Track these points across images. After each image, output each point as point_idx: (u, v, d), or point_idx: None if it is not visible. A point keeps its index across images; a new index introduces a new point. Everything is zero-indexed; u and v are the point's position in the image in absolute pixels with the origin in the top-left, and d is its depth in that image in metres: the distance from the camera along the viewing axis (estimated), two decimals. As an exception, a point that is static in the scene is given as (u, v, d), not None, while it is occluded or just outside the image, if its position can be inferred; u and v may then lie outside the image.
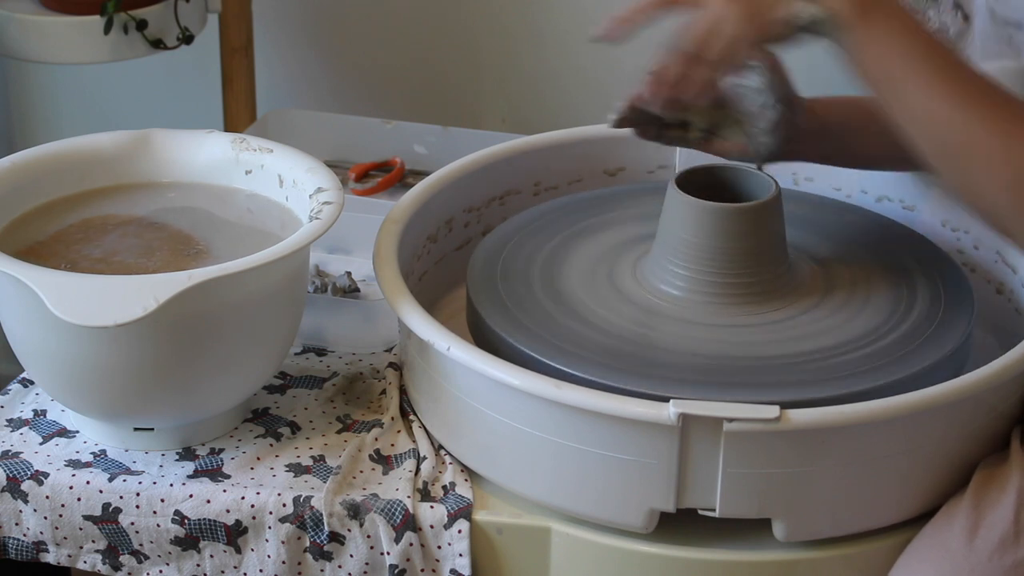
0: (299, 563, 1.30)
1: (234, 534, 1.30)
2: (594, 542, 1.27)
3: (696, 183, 1.36)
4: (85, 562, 1.33)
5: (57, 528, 1.32)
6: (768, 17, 1.20)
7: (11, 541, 1.33)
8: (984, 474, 1.26)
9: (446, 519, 1.28)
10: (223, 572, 1.32)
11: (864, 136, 1.42)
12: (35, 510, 1.31)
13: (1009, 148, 1.14)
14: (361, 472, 1.33)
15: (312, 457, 1.34)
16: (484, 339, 1.34)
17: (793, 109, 1.36)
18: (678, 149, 1.59)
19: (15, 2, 1.92)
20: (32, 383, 1.43)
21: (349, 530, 1.29)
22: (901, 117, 1.20)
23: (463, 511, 1.28)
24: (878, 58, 1.19)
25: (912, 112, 1.19)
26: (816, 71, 1.42)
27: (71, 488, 1.31)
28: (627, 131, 1.39)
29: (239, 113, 2.06)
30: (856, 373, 1.27)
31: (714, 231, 1.34)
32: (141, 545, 1.31)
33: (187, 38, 1.93)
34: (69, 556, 1.33)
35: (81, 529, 1.31)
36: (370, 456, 1.35)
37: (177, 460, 1.34)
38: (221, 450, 1.35)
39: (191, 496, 1.30)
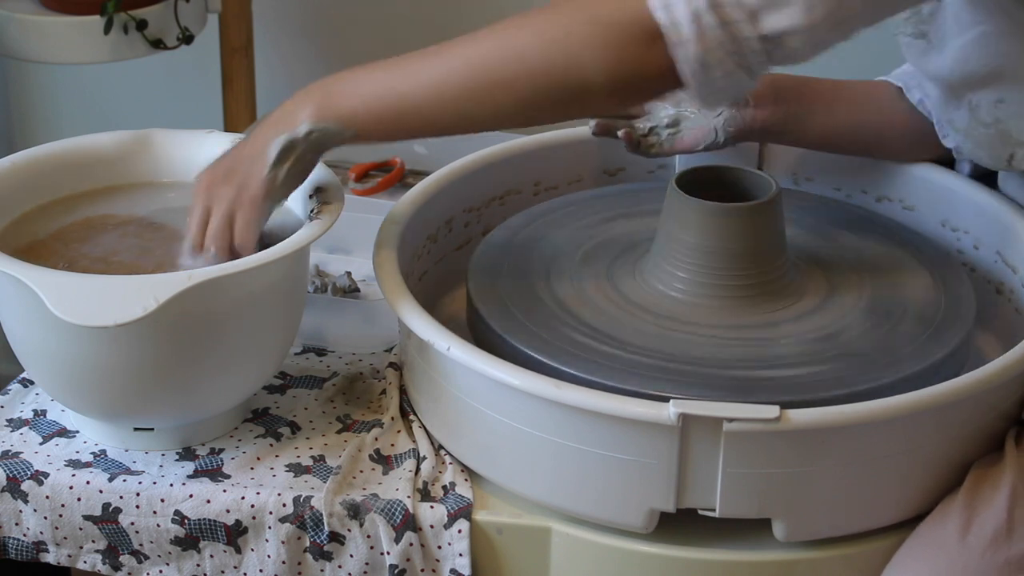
0: (299, 563, 1.30)
1: (234, 534, 1.30)
2: (594, 542, 1.27)
3: (696, 183, 1.36)
4: (85, 562, 1.33)
5: (57, 528, 1.32)
6: (257, 175, 1.25)
7: (11, 541, 1.33)
8: (978, 473, 1.26)
9: (446, 519, 1.28)
10: (223, 572, 1.32)
11: (822, 109, 1.45)
12: (35, 510, 1.31)
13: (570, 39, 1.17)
14: (361, 472, 1.33)
15: (312, 457, 1.34)
16: (484, 339, 1.34)
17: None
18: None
19: (15, 2, 1.92)
20: (32, 383, 1.43)
21: (349, 530, 1.29)
22: (439, 116, 1.23)
23: (463, 511, 1.28)
24: (381, 128, 1.24)
25: (446, 122, 1.23)
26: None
27: (71, 488, 1.31)
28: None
29: (239, 113, 2.07)
30: (856, 373, 1.27)
31: (714, 231, 1.34)
32: (141, 545, 1.31)
33: (187, 38, 1.93)
34: (69, 556, 1.33)
35: (81, 529, 1.31)
36: (370, 456, 1.35)
37: (177, 460, 1.34)
38: (221, 450, 1.35)
39: (191, 496, 1.30)
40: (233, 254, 1.27)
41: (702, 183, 1.37)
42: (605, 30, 1.17)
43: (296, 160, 1.26)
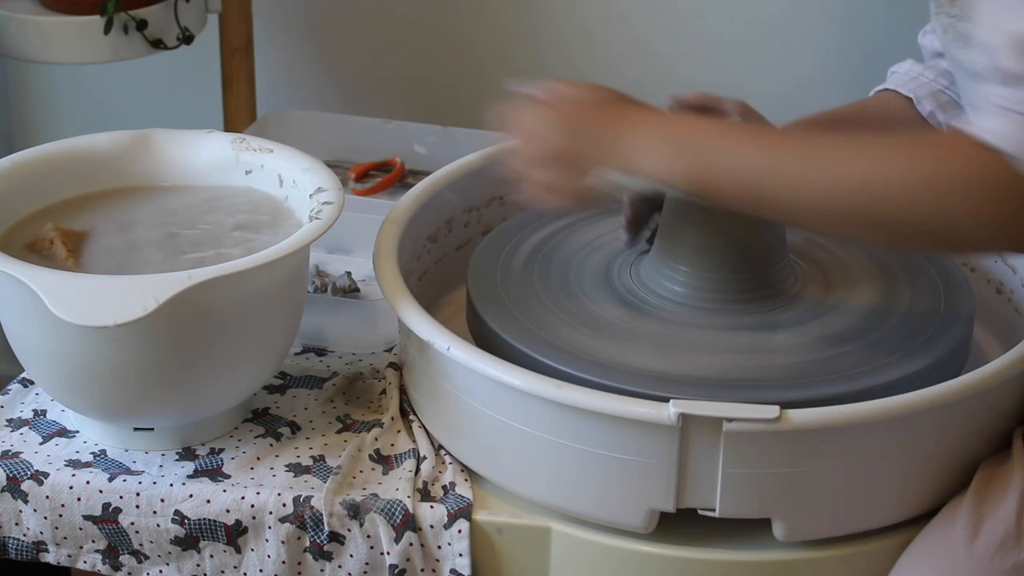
0: (299, 563, 1.30)
1: (234, 534, 1.30)
2: (594, 542, 1.27)
3: None
4: (85, 562, 1.33)
5: (57, 528, 1.32)
6: (573, 187, 1.26)
7: (11, 541, 1.33)
8: (986, 474, 1.26)
9: (446, 519, 1.28)
10: (223, 572, 1.32)
11: None
12: (35, 510, 1.31)
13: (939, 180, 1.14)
14: (361, 472, 1.33)
15: (312, 457, 1.35)
16: (484, 339, 1.34)
17: None
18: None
19: (15, 2, 1.92)
20: (32, 383, 1.43)
21: (349, 530, 1.29)
22: (795, 218, 1.22)
23: (463, 511, 1.28)
24: (731, 195, 1.22)
25: (804, 210, 1.19)
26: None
27: (71, 488, 1.31)
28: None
29: (239, 113, 2.06)
30: (856, 373, 1.27)
31: (714, 231, 1.34)
32: (141, 545, 1.31)
33: (187, 38, 1.93)
34: (69, 556, 1.33)
35: (81, 529, 1.31)
36: (370, 456, 1.35)
37: (177, 460, 1.34)
38: (221, 450, 1.35)
39: (191, 496, 1.30)
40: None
41: None
42: (982, 191, 1.13)
43: (617, 195, 1.29)
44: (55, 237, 1.33)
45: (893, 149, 1.17)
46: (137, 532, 1.31)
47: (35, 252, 1.32)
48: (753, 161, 1.20)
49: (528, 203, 1.30)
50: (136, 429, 1.34)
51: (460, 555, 1.28)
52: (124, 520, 1.30)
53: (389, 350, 1.49)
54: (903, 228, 1.16)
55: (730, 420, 1.19)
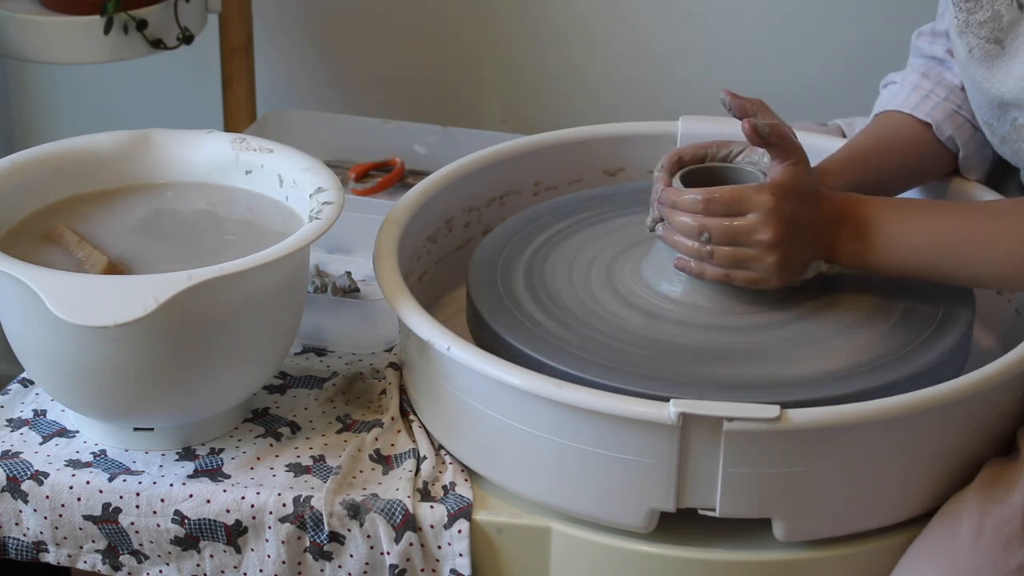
0: (299, 563, 1.30)
1: (234, 534, 1.30)
2: (594, 542, 1.27)
3: (697, 183, 1.36)
4: (85, 562, 1.33)
5: (57, 528, 1.32)
6: (793, 274, 1.30)
7: (11, 541, 1.33)
8: (991, 472, 1.26)
9: (446, 519, 1.28)
10: (223, 572, 1.32)
11: (870, 181, 1.44)
12: (35, 510, 1.31)
13: None
14: (361, 472, 1.33)
15: (312, 457, 1.34)
16: (484, 339, 1.34)
17: None
18: (677, 148, 1.59)
19: (15, 2, 1.92)
20: (32, 383, 1.43)
21: (349, 530, 1.29)
22: (985, 282, 1.34)
23: (463, 511, 1.28)
24: (910, 266, 1.30)
25: (978, 277, 1.32)
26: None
27: (71, 488, 1.31)
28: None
29: (239, 113, 2.07)
30: (856, 373, 1.27)
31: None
32: (141, 545, 1.31)
33: (187, 38, 1.93)
34: (69, 556, 1.33)
35: (81, 529, 1.31)
36: (370, 456, 1.35)
37: (177, 460, 1.34)
38: (221, 450, 1.35)
39: (191, 496, 1.30)
40: (712, 266, 1.30)
41: (703, 183, 1.36)
42: None
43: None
44: (64, 231, 1.33)
45: None
46: (137, 532, 1.31)
47: (50, 240, 1.33)
48: (951, 231, 1.29)
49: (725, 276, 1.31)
50: (136, 429, 1.34)
51: (460, 555, 1.28)
52: (124, 520, 1.30)
53: (389, 350, 1.49)
54: None
55: (730, 420, 1.19)
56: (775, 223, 1.27)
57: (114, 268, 1.30)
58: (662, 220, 1.33)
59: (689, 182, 1.36)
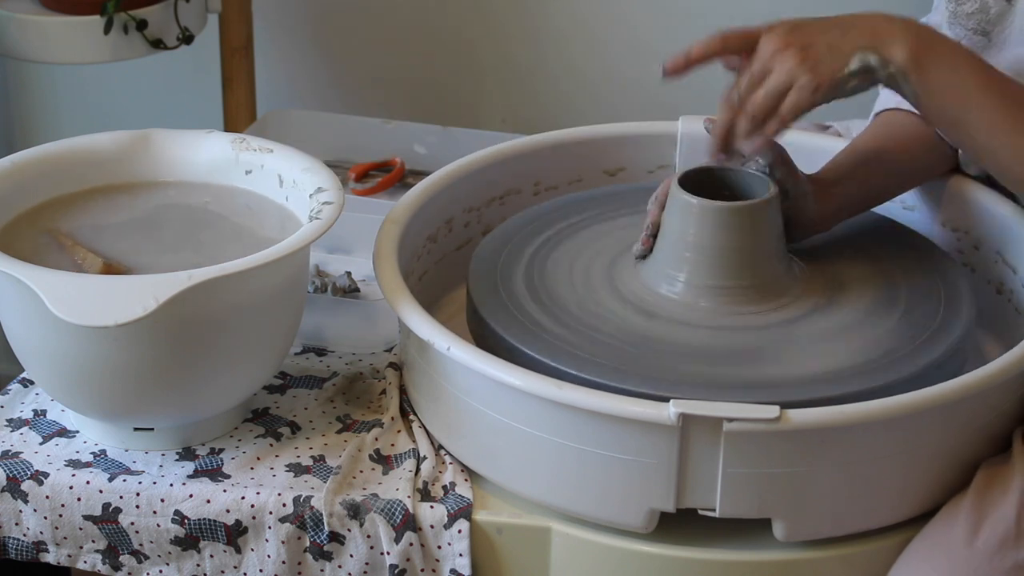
0: (299, 563, 1.30)
1: (234, 534, 1.30)
2: (594, 542, 1.27)
3: (697, 183, 1.36)
4: (85, 562, 1.33)
5: (57, 528, 1.32)
6: (829, 72, 1.23)
7: (11, 541, 1.33)
8: (986, 474, 1.26)
9: (446, 519, 1.28)
10: (223, 572, 1.32)
11: (877, 181, 1.43)
12: (35, 510, 1.31)
13: None
14: (361, 472, 1.33)
15: (312, 457, 1.34)
16: (484, 339, 1.34)
17: (799, 197, 1.37)
18: (678, 149, 1.59)
19: (15, 2, 1.92)
20: (32, 383, 1.43)
21: (349, 530, 1.29)
22: (971, 151, 1.28)
23: (463, 511, 1.28)
24: (936, 103, 1.25)
25: (980, 147, 1.26)
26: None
27: (71, 488, 1.31)
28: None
29: (239, 113, 2.07)
30: (856, 373, 1.27)
31: (715, 230, 1.34)
32: (141, 545, 1.31)
33: (187, 38, 1.93)
34: (69, 556, 1.33)
35: (81, 529, 1.31)
36: (370, 456, 1.35)
37: (177, 460, 1.34)
38: (221, 450, 1.35)
39: (191, 496, 1.30)
40: (765, 124, 1.25)
41: (703, 183, 1.37)
42: None
43: (862, 81, 1.25)
44: (58, 236, 1.33)
45: None
46: (137, 532, 1.31)
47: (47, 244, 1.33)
48: (969, 86, 1.24)
49: (769, 95, 1.25)
50: (136, 429, 1.34)
51: (460, 555, 1.28)
52: (124, 520, 1.30)
53: (389, 350, 1.49)
54: None
55: (730, 420, 1.19)
56: (780, 35, 1.24)
57: (111, 270, 1.30)
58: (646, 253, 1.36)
59: (691, 183, 1.36)
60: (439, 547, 1.28)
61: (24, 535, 1.33)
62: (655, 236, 1.37)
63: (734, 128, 1.27)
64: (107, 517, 1.30)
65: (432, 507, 1.29)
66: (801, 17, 1.27)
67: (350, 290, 1.58)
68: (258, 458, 1.34)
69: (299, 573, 1.31)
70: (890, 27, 1.25)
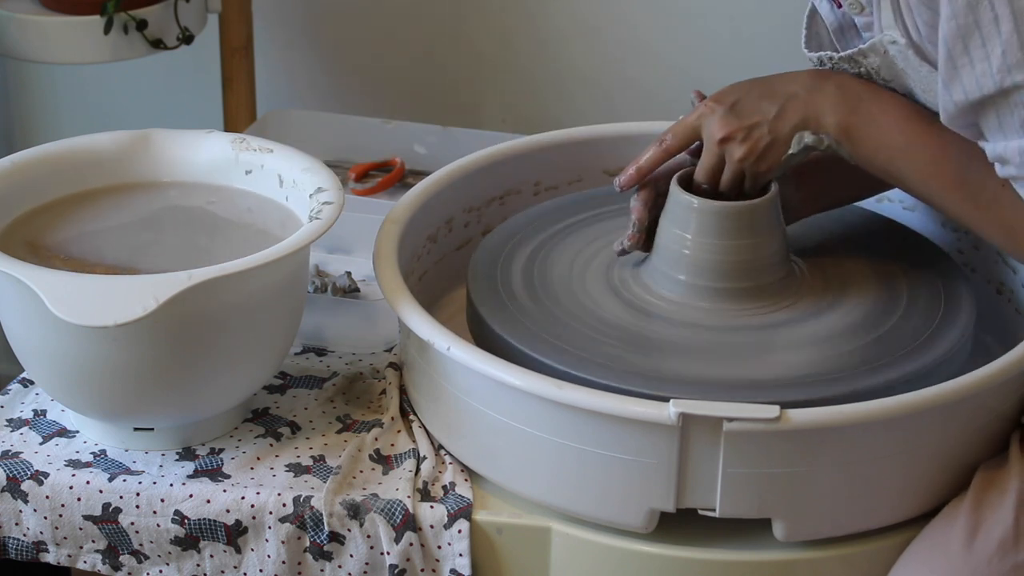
0: (299, 563, 1.30)
1: (234, 534, 1.30)
2: (594, 542, 1.27)
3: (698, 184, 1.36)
4: (85, 562, 1.33)
5: (57, 528, 1.32)
6: (775, 158, 1.32)
7: (11, 541, 1.33)
8: (984, 476, 1.26)
9: (446, 519, 1.28)
10: (223, 572, 1.32)
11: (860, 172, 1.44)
12: (35, 510, 1.31)
13: (1009, 237, 1.27)
14: (361, 472, 1.33)
15: (312, 457, 1.34)
16: (484, 339, 1.34)
17: (780, 181, 1.38)
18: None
19: (15, 2, 1.92)
20: (32, 383, 1.43)
21: (349, 530, 1.29)
22: (912, 194, 1.35)
23: (463, 511, 1.28)
24: (868, 161, 1.31)
25: (916, 194, 1.33)
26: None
27: (71, 488, 1.31)
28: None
29: (239, 113, 2.07)
30: (856, 373, 1.27)
31: (715, 230, 1.34)
32: (141, 545, 1.31)
33: (187, 38, 1.93)
34: (69, 556, 1.33)
35: (81, 529, 1.31)
36: (370, 456, 1.35)
37: (177, 460, 1.34)
38: (221, 450, 1.35)
39: (191, 496, 1.30)
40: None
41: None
42: None
43: (804, 156, 1.33)
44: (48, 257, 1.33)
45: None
46: (137, 532, 1.31)
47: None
48: (895, 143, 1.30)
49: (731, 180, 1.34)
50: (136, 429, 1.34)
51: (460, 555, 1.28)
52: (124, 520, 1.30)
53: (389, 350, 1.49)
54: None
55: (730, 420, 1.19)
56: (720, 122, 1.31)
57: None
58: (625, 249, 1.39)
59: (691, 183, 1.36)
60: (439, 547, 1.28)
61: (24, 535, 1.33)
62: (641, 232, 1.38)
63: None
64: (107, 517, 1.30)
65: (432, 507, 1.29)
66: (729, 86, 1.35)
67: (350, 290, 1.58)
68: (258, 458, 1.34)
69: (299, 573, 1.31)
70: (821, 96, 1.32)
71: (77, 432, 1.37)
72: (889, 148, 1.30)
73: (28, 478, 1.32)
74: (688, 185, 1.36)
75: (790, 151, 1.31)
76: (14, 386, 1.44)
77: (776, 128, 1.31)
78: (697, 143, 1.35)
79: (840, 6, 1.38)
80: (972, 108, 1.22)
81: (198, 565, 1.32)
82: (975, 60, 1.19)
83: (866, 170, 1.33)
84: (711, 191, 1.34)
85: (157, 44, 1.91)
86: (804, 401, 1.21)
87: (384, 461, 1.34)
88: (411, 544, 1.28)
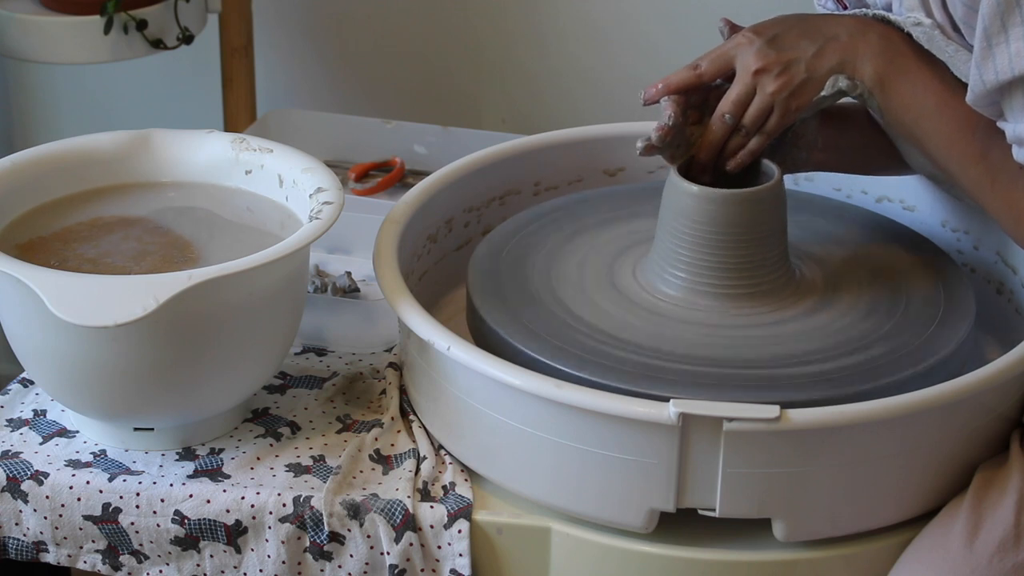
0: (299, 563, 1.30)
1: (234, 534, 1.30)
2: (594, 542, 1.27)
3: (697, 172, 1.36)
4: (85, 562, 1.33)
5: (57, 528, 1.32)
6: (807, 97, 1.30)
7: (11, 541, 1.33)
8: (984, 476, 1.26)
9: (446, 519, 1.28)
10: (223, 572, 1.32)
11: (874, 147, 1.43)
12: (35, 510, 1.31)
13: (1017, 221, 1.27)
14: (361, 472, 1.33)
15: (312, 457, 1.34)
16: (484, 339, 1.34)
17: (805, 126, 1.39)
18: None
19: (15, 2, 1.92)
20: (32, 383, 1.43)
21: (349, 530, 1.29)
22: (928, 159, 1.33)
23: (463, 511, 1.28)
24: (896, 119, 1.30)
25: (934, 159, 1.31)
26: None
27: (71, 488, 1.31)
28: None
29: (239, 113, 2.07)
30: (856, 373, 1.27)
31: (715, 218, 1.33)
32: (141, 545, 1.31)
33: (187, 38, 1.94)
34: (69, 556, 1.33)
35: (81, 529, 1.31)
36: (370, 456, 1.35)
37: (177, 460, 1.34)
38: (221, 450, 1.35)
39: (191, 496, 1.30)
40: (758, 135, 1.32)
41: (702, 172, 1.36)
42: None
43: (835, 100, 1.32)
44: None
45: None
46: (137, 532, 1.31)
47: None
48: (926, 103, 1.29)
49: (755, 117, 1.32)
50: (136, 429, 1.34)
51: (460, 555, 1.28)
52: (124, 520, 1.30)
53: (389, 350, 1.49)
54: None
55: (730, 420, 1.19)
56: (757, 54, 1.30)
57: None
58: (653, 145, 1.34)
59: (691, 172, 1.35)
60: (439, 547, 1.28)
61: (24, 535, 1.33)
62: (672, 128, 1.34)
63: (727, 144, 1.33)
64: (107, 517, 1.30)
65: (432, 507, 1.29)
66: (771, 19, 1.33)
67: (350, 290, 1.58)
68: (258, 458, 1.34)
69: (299, 573, 1.31)
70: (863, 42, 1.30)
71: (77, 432, 1.37)
72: (919, 108, 1.29)
73: (28, 478, 1.32)
74: (687, 173, 1.35)
75: (823, 93, 1.30)
76: (14, 386, 1.44)
77: (813, 66, 1.30)
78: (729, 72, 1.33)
79: (846, 8, 1.37)
80: (1000, 89, 1.22)
81: (198, 565, 1.32)
82: (1011, 39, 1.19)
83: (890, 129, 1.32)
84: (711, 179, 1.34)
85: (157, 44, 1.91)
86: (804, 401, 1.21)
87: (384, 461, 1.34)
88: (411, 544, 1.28)
